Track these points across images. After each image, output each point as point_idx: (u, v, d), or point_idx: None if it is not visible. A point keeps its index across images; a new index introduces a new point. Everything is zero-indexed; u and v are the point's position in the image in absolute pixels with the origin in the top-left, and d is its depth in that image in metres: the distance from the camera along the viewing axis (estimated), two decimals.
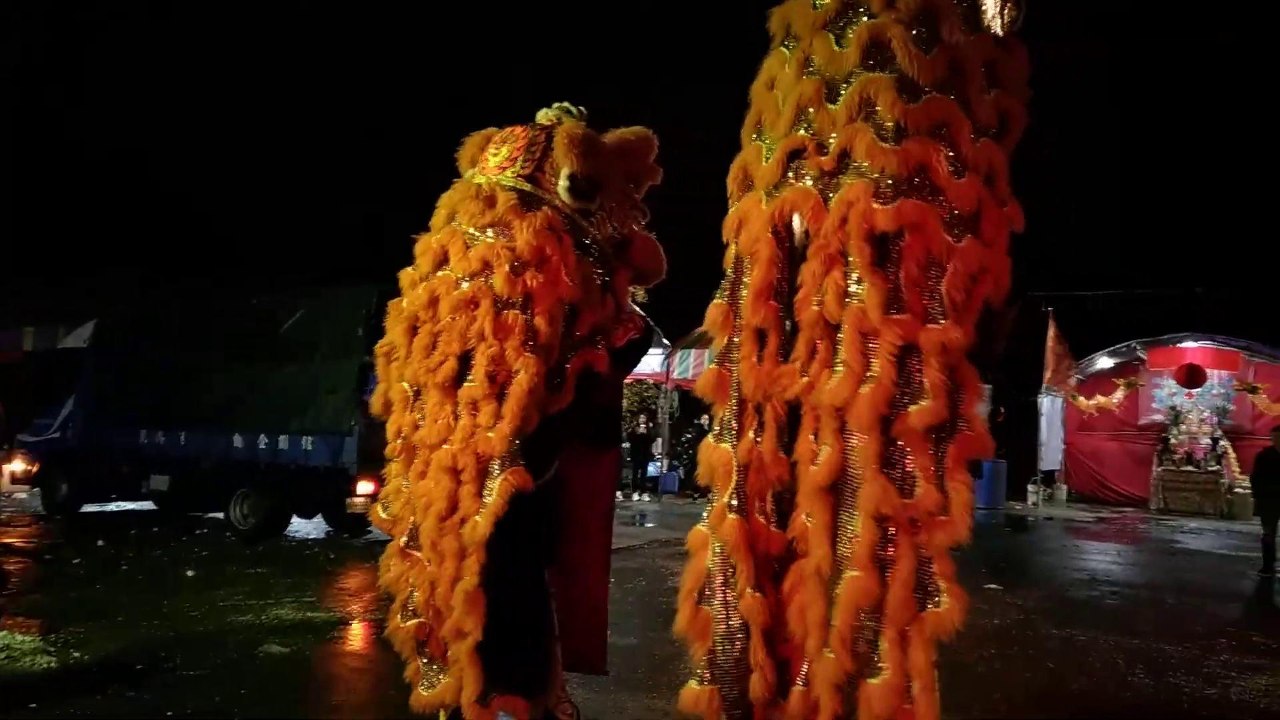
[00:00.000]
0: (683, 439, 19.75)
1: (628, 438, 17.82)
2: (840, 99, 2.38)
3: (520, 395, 3.03)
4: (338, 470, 10.40)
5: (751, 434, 2.42)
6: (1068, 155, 19.72)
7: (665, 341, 17.00)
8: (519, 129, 3.41)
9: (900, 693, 2.17)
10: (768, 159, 2.50)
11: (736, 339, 2.50)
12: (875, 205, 2.27)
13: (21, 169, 21.94)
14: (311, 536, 11.45)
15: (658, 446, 18.91)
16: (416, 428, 3.24)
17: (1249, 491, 14.58)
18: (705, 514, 2.50)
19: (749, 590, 2.34)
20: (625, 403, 18.68)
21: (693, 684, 2.42)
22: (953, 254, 2.26)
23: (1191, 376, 17.80)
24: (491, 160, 3.38)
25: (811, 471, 2.30)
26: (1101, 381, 19.54)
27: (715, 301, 2.58)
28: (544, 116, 3.48)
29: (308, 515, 11.85)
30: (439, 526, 3.07)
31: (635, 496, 17.50)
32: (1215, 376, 18.16)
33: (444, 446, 3.12)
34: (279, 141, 23.39)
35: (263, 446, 10.98)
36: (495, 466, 3.05)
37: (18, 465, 13.46)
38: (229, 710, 4.79)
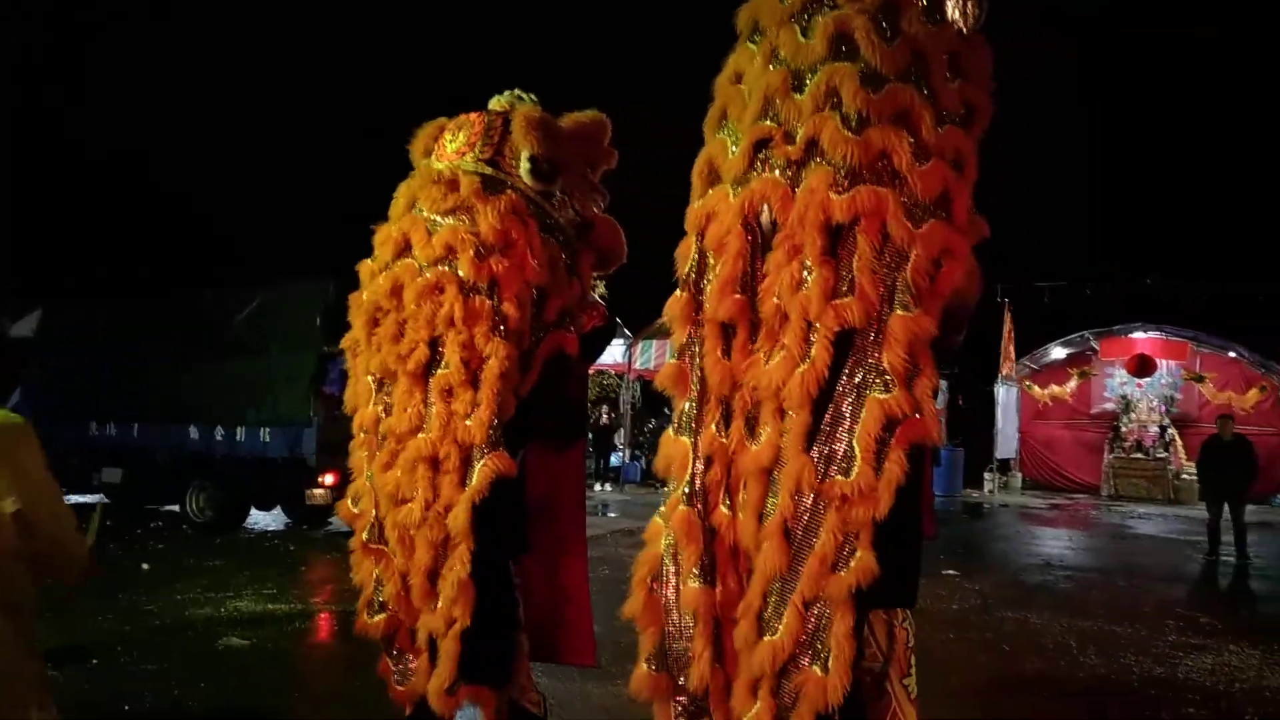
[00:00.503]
0: (645, 429, 19.81)
1: (590, 428, 17.82)
2: (806, 89, 2.39)
3: (494, 381, 2.99)
4: (296, 462, 10.29)
5: (713, 427, 2.41)
6: (1025, 146, 20.02)
7: (627, 332, 17.01)
8: (474, 115, 3.36)
9: (783, 653, 2.20)
10: (734, 151, 2.49)
11: (698, 332, 2.47)
12: (831, 195, 2.27)
13: (21, 170, 21.49)
14: (270, 528, 11.32)
15: (620, 437, 18.95)
16: (380, 420, 3.19)
17: (1195, 478, 15.02)
18: (662, 505, 2.50)
19: (691, 580, 2.35)
20: (588, 393, 18.69)
21: (643, 667, 2.41)
22: (914, 240, 2.28)
23: (1142, 366, 18.23)
24: (449, 146, 3.32)
25: (752, 451, 2.33)
26: (1055, 371, 19.95)
27: (676, 294, 2.54)
28: (497, 103, 3.44)
29: (266, 507, 11.71)
30: (421, 517, 3.02)
31: (598, 487, 17.52)
32: (1164, 366, 18.62)
33: (419, 435, 3.07)
34: (279, 141, 22.99)
35: (219, 438, 10.84)
36: (477, 454, 3.01)
37: None
38: (187, 703, 4.74)
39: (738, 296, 2.39)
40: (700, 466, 2.42)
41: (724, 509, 2.39)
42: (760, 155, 2.43)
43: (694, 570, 2.35)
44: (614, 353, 17.02)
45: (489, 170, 3.25)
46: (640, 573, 2.50)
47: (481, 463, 3.00)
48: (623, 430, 19.03)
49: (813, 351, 2.25)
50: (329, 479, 10.13)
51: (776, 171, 2.39)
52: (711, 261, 2.49)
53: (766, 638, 2.23)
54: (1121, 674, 5.81)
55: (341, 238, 3.84)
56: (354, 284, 3.40)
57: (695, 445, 2.42)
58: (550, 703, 3.53)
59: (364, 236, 3.39)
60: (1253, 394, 17.50)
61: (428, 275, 3.09)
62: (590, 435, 16.69)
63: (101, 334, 12.20)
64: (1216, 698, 5.39)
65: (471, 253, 3.05)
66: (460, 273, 3.05)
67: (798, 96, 2.39)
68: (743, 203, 2.40)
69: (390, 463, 3.15)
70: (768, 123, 2.43)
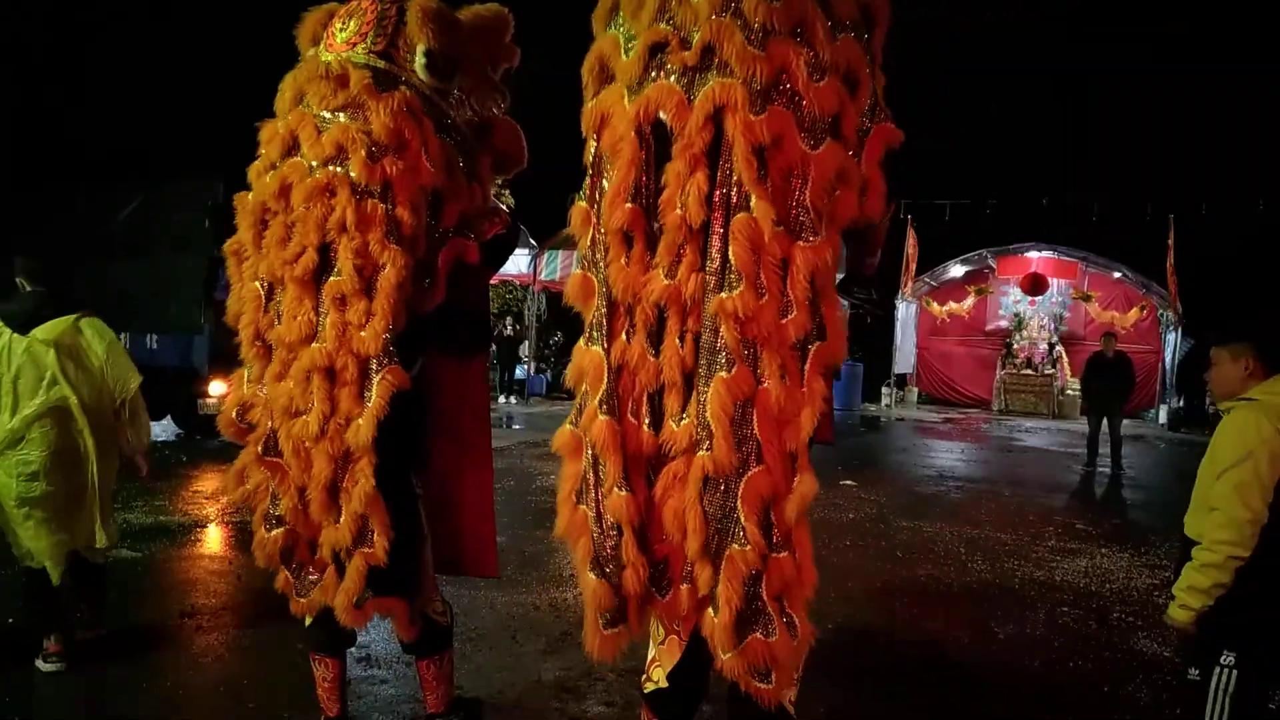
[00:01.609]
0: (550, 342, 19.70)
1: (494, 340, 17.65)
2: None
3: (390, 290, 2.87)
4: (188, 371, 9.93)
5: (624, 336, 2.37)
6: (936, 60, 20.12)
7: (532, 242, 16.73)
8: (366, 2, 3.11)
9: (761, 553, 2.25)
10: (628, 53, 2.38)
11: (600, 241, 2.41)
12: (752, 116, 2.20)
13: (21, 168, 19.60)
14: (160, 439, 10.92)
15: (524, 349, 18.82)
16: (272, 326, 3.04)
17: (1078, 393, 15.79)
18: (572, 416, 2.45)
19: (616, 489, 2.32)
20: (491, 305, 18.44)
21: (590, 576, 2.38)
22: (809, 162, 2.25)
23: (1035, 285, 18.89)
24: (339, 36, 3.09)
25: (654, 362, 2.34)
26: (954, 289, 20.52)
27: (577, 203, 2.47)
28: None
29: (156, 417, 11.27)
30: (319, 429, 2.91)
31: (502, 399, 17.44)
32: (1055, 285, 19.35)
33: (312, 345, 2.93)
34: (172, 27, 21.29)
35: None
36: (374, 365, 2.91)
37: None
38: (75, 614, 4.56)
39: (630, 205, 2.32)
40: (613, 377, 2.38)
41: (631, 418, 2.37)
42: (655, 59, 2.34)
43: (620, 478, 2.33)
44: (519, 263, 16.74)
45: (381, 64, 3.04)
46: (565, 489, 2.46)
47: (379, 378, 2.90)
48: (528, 343, 18.90)
49: (765, 282, 2.23)
50: (222, 387, 9.78)
51: (672, 78, 2.30)
52: (607, 168, 2.41)
53: (737, 546, 2.25)
54: (1004, 578, 6.13)
55: (229, 136, 3.57)
56: (243, 185, 3.19)
57: (607, 355, 2.37)
58: (455, 612, 3.51)
59: (251, 135, 3.17)
60: (1134, 313, 18.35)
61: (318, 176, 2.91)
62: (495, 347, 16.52)
63: None
64: (1089, 597, 5.74)
65: (364, 153, 2.87)
66: (352, 174, 2.88)
67: (694, 0, 2.29)
68: (638, 110, 2.31)
69: (282, 373, 3.01)
70: (664, 26, 2.32)
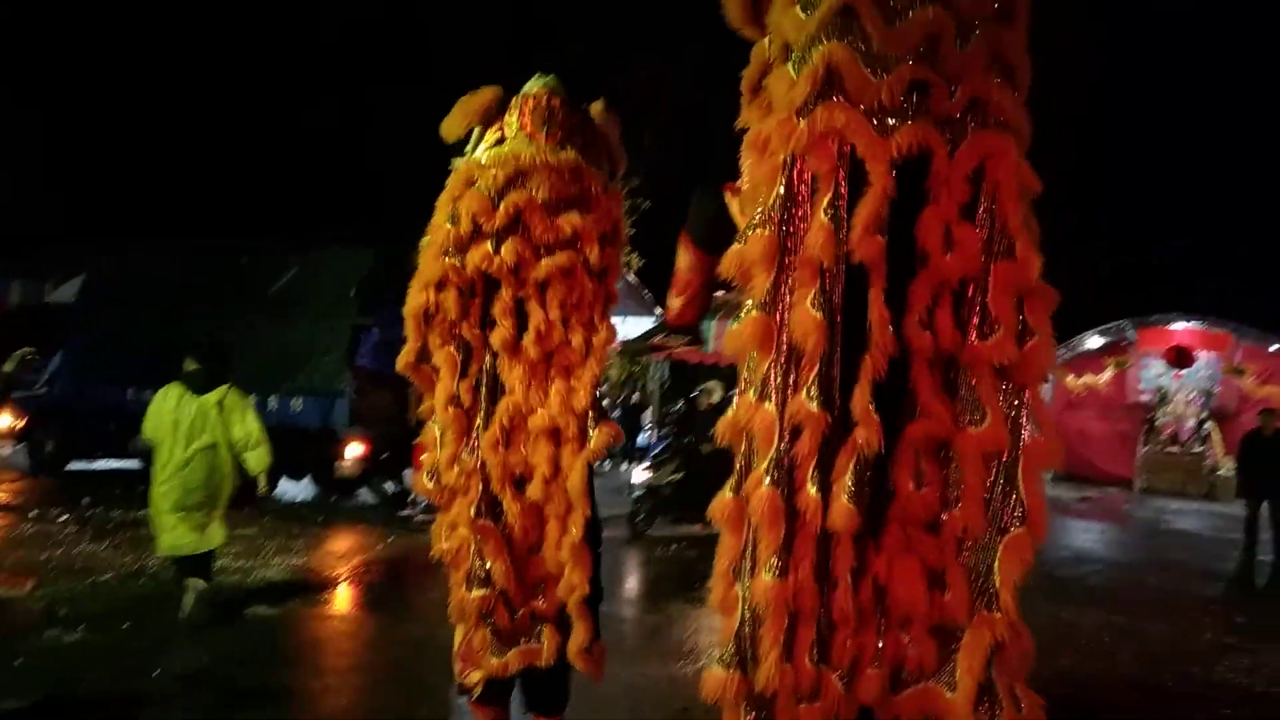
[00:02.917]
0: (674, 410, 19.71)
1: (619, 407, 17.83)
2: (970, 41, 2.24)
3: (603, 356, 3.37)
4: (327, 432, 10.33)
5: (808, 392, 2.16)
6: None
7: (659, 310, 16.93)
8: (542, 98, 3.37)
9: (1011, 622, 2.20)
10: (874, 77, 2.22)
11: (791, 278, 2.21)
12: (1025, 166, 2.24)
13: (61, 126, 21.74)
14: (299, 498, 11.42)
15: (647, 416, 18.90)
16: (474, 391, 3.33)
17: (1232, 473, 14.72)
18: (732, 482, 2.25)
19: (766, 572, 2.14)
20: (615, 372, 18.68)
21: (715, 668, 2.20)
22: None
23: (1180, 357, 17.87)
24: (540, 131, 3.34)
25: (973, 435, 2.20)
26: (1090, 360, 19.62)
27: (759, 231, 2.24)
28: (538, 86, 3.44)
29: (296, 477, 11.79)
30: (545, 492, 3.27)
31: (624, 466, 17.51)
32: (1203, 358, 18.26)
33: (539, 411, 3.28)
34: (278, 137, 22.92)
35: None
36: (590, 419, 3.30)
37: (3, 419, 13.32)
38: (217, 671, 4.78)
39: (881, 239, 2.18)
40: (786, 439, 2.17)
41: (812, 490, 2.15)
42: (910, 98, 2.23)
43: (771, 559, 2.15)
44: (642, 324, 16.92)
45: (590, 165, 3.41)
46: (722, 563, 2.30)
47: (597, 430, 3.29)
48: (650, 409, 18.97)
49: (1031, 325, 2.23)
50: (358, 450, 10.17)
51: (932, 123, 2.22)
52: (822, 192, 2.21)
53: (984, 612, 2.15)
54: (1155, 673, 5.71)
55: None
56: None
57: (781, 414, 2.17)
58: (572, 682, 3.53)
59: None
60: None
61: (559, 259, 3.28)
62: (619, 414, 16.66)
63: (139, 299, 12.31)
64: (1255, 700, 5.28)
65: (598, 243, 3.32)
66: (591, 259, 3.31)
67: (961, 46, 2.24)
68: (896, 146, 2.19)
69: (505, 440, 3.30)
70: (926, 68, 2.21)
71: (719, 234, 2.61)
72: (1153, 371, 18.89)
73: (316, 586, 6.83)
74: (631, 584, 7.16)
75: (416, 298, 3.34)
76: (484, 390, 3.34)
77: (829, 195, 2.21)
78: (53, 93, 23.40)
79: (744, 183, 2.55)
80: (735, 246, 2.32)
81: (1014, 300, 2.18)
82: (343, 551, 8.15)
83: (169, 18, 22.90)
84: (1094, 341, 19.57)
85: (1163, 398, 18.72)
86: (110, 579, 6.64)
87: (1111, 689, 5.36)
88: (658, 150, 16.46)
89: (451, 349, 3.34)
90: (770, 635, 2.15)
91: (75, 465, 13.04)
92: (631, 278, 17.10)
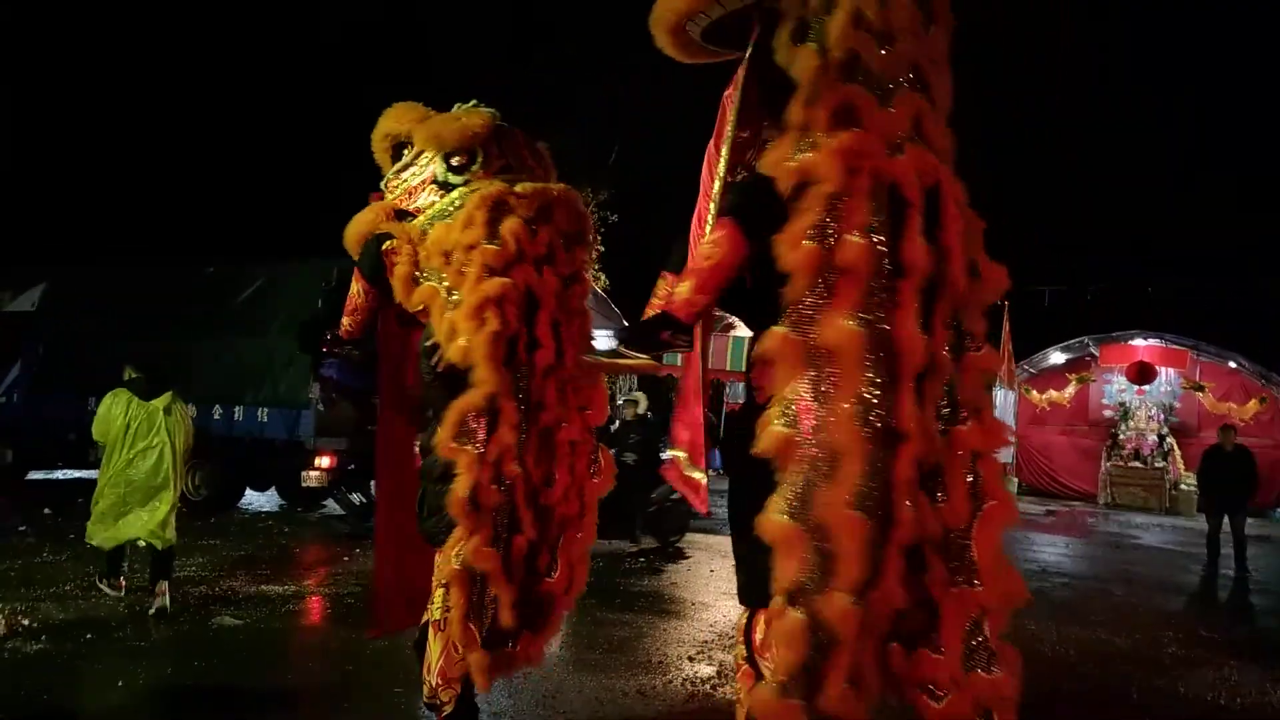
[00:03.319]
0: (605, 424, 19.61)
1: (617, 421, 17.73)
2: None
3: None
4: (294, 444, 10.24)
5: (895, 412, 2.31)
6: (1026, 143, 19.95)
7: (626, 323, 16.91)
8: (518, 133, 3.87)
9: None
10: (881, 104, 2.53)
11: (891, 295, 2.28)
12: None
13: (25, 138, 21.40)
14: (265, 509, 11.27)
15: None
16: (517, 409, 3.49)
17: (1193, 488, 14.97)
18: (782, 504, 2.25)
19: (848, 593, 2.16)
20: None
21: (773, 694, 2.18)
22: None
23: (1142, 373, 18.17)
24: (540, 166, 3.92)
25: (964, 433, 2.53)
26: (1054, 376, 19.90)
27: (852, 240, 2.25)
28: (495, 117, 3.85)
29: (261, 488, 11.66)
30: (563, 494, 3.61)
31: None
32: (1164, 374, 18.57)
33: (563, 425, 3.61)
34: (283, 117, 22.69)
35: (217, 418, 10.76)
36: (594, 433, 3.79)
37: None
38: (181, 681, 4.69)
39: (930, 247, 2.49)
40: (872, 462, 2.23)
41: (908, 504, 2.26)
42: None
43: (854, 581, 2.20)
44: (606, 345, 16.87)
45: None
46: (783, 585, 2.28)
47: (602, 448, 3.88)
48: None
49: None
50: (325, 461, 10.08)
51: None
52: (850, 204, 2.33)
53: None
54: (1121, 686, 5.76)
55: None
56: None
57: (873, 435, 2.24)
58: (546, 693, 3.52)
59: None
60: (1252, 405, 17.47)
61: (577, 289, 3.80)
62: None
63: (101, 309, 12.08)
64: (1219, 713, 5.35)
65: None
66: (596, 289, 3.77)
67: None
68: (906, 167, 2.49)
69: (538, 453, 3.55)
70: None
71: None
72: (1115, 387, 19.20)
73: (282, 598, 6.73)
74: (598, 595, 7.11)
75: (480, 315, 3.39)
76: (525, 409, 3.52)
77: (866, 215, 2.34)
78: (18, 96, 23.01)
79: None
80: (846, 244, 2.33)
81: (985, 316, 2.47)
82: (309, 563, 8.05)
83: (139, 25, 22.63)
84: (1057, 357, 19.88)
85: (1125, 413, 19.02)
86: (72, 589, 6.50)
87: (1076, 702, 5.41)
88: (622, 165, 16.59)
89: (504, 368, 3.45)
90: (841, 659, 2.21)
91: (35, 475, 12.79)
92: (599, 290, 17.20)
